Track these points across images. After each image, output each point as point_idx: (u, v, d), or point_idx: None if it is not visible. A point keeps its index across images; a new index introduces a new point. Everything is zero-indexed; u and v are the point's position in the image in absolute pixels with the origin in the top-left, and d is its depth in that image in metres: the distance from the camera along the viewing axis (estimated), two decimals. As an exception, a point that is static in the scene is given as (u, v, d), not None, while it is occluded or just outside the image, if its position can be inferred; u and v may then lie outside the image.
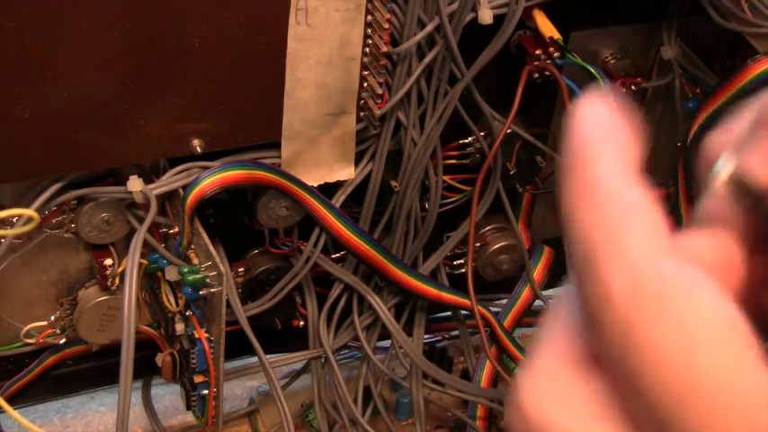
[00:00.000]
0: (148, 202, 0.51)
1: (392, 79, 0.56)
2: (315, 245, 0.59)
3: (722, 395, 0.21)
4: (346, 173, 0.58)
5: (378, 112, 0.55)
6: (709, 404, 0.21)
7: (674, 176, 0.66)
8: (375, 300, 0.62)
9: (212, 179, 0.52)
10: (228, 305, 0.54)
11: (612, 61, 0.64)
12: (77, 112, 0.48)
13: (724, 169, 0.24)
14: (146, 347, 0.61)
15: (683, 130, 0.64)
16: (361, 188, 0.59)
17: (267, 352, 0.58)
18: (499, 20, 0.55)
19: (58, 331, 0.60)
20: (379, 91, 0.54)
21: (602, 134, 0.23)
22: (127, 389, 0.49)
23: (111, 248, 0.56)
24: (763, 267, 0.24)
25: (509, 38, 0.57)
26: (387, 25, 0.52)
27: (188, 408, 0.59)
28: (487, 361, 0.67)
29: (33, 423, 0.48)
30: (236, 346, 0.58)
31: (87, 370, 0.64)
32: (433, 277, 0.65)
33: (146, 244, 0.53)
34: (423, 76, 0.56)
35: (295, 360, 0.63)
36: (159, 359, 0.59)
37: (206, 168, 0.52)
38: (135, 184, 0.51)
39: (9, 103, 0.47)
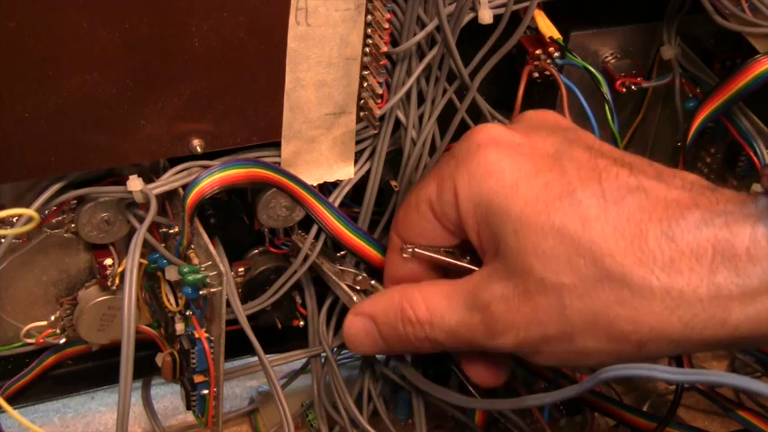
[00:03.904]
0: (148, 201, 0.51)
1: (391, 79, 0.56)
2: (313, 244, 0.59)
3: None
4: (346, 173, 0.58)
5: (378, 112, 0.55)
6: None
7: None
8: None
9: (212, 179, 0.52)
10: (228, 305, 0.54)
11: (612, 61, 0.64)
12: (77, 111, 0.48)
13: None
14: (146, 347, 0.61)
15: (683, 130, 0.64)
16: (360, 187, 0.59)
17: (267, 352, 0.58)
18: (498, 19, 0.55)
19: (57, 331, 0.60)
20: (380, 91, 0.54)
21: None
22: (127, 389, 0.49)
23: (112, 248, 0.56)
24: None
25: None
26: (387, 25, 0.52)
27: (188, 407, 0.59)
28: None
29: (33, 423, 0.48)
30: (236, 345, 0.58)
31: (87, 370, 0.64)
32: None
33: (146, 244, 0.53)
34: (422, 76, 0.56)
35: (295, 359, 0.63)
36: (159, 359, 0.59)
37: (206, 167, 0.52)
38: (135, 183, 0.51)
39: (9, 103, 0.47)
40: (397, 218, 0.54)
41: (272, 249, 0.60)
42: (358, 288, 0.59)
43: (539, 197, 0.46)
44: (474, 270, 0.51)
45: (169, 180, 0.53)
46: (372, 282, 0.59)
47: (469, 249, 0.51)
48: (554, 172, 0.46)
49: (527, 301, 0.46)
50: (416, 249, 0.52)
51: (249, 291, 0.60)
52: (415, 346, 0.52)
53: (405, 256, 0.53)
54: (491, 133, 0.49)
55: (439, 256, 0.52)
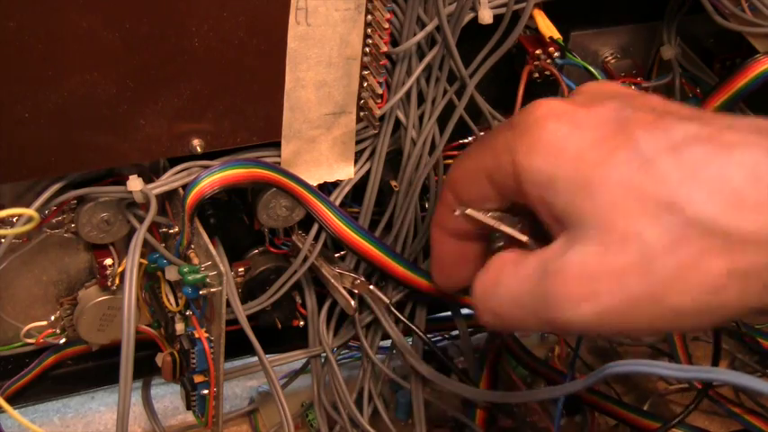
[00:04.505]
0: (148, 201, 0.51)
1: (391, 79, 0.56)
2: (312, 244, 0.59)
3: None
4: (346, 172, 0.58)
5: (378, 112, 0.55)
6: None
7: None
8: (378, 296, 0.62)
9: (212, 179, 0.52)
10: (228, 305, 0.54)
11: (612, 61, 0.64)
12: (77, 111, 0.48)
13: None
14: (146, 347, 0.61)
15: (683, 130, 0.64)
16: (360, 187, 0.60)
17: (267, 352, 0.58)
18: (499, 19, 0.55)
19: (57, 331, 0.60)
20: (379, 91, 0.54)
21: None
22: (127, 389, 0.49)
23: (111, 248, 0.56)
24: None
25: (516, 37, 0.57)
26: (387, 25, 0.52)
27: (188, 407, 0.59)
28: (487, 361, 0.67)
29: (33, 423, 0.48)
30: (236, 345, 0.58)
31: (87, 370, 0.64)
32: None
33: (146, 244, 0.53)
34: (422, 76, 0.56)
35: (295, 359, 0.64)
36: (159, 359, 0.59)
37: (206, 167, 0.52)
38: (135, 183, 0.51)
39: (9, 103, 0.47)
40: (452, 177, 0.52)
41: (272, 249, 0.60)
42: (356, 292, 0.59)
43: (607, 161, 0.44)
44: (523, 239, 0.49)
45: (169, 180, 0.53)
46: (371, 286, 0.59)
47: (521, 216, 0.50)
48: (619, 137, 0.45)
49: (608, 263, 0.43)
50: (468, 212, 0.51)
51: (249, 291, 0.60)
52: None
53: (456, 213, 0.51)
54: (551, 106, 0.47)
55: (490, 223, 0.51)
